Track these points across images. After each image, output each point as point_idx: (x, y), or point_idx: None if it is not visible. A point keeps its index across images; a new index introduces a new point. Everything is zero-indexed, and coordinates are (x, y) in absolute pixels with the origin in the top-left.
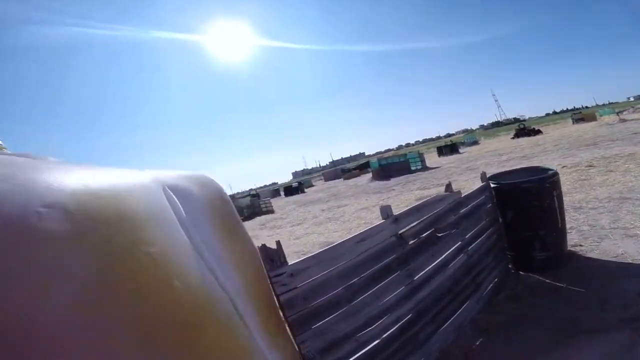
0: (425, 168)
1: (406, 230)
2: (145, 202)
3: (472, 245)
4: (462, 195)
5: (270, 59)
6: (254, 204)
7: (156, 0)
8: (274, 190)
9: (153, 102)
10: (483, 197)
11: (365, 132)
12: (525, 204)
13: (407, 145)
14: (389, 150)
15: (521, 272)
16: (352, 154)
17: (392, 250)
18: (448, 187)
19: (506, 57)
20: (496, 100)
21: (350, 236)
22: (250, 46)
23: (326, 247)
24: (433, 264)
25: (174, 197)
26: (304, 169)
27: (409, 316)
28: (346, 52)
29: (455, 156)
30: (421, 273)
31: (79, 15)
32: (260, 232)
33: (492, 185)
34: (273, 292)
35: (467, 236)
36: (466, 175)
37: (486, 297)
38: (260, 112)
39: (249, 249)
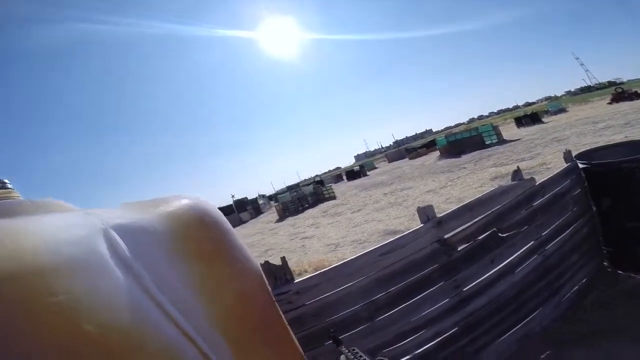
0: (501, 141)
1: (454, 235)
2: (61, 252)
3: (551, 244)
4: (537, 183)
5: (322, 51)
6: (317, 191)
7: (210, 3)
8: (337, 175)
9: (216, 101)
10: (568, 181)
11: (430, 108)
12: (628, 189)
13: (480, 117)
14: (459, 124)
15: (620, 272)
16: (418, 132)
17: (433, 260)
18: (516, 174)
19: (591, 14)
20: (582, 64)
21: (373, 248)
22: (301, 41)
23: (340, 262)
24: (491, 272)
25: (117, 238)
26: (366, 151)
27: (454, 330)
28: (402, 39)
29: (537, 126)
30: (473, 283)
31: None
32: (321, 220)
33: (581, 166)
34: (276, 310)
35: (544, 233)
36: (552, 147)
37: (566, 303)
38: (320, 102)
39: (236, 269)
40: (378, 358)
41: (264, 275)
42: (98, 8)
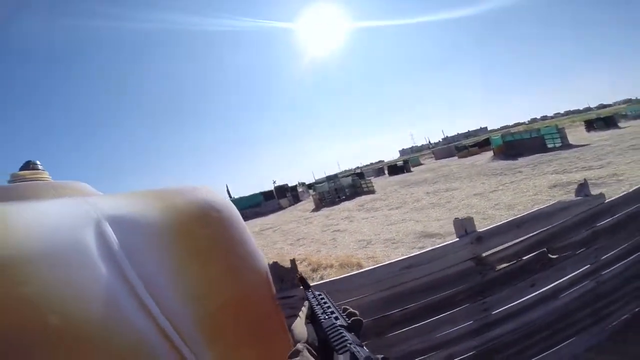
0: (566, 146)
1: (494, 253)
2: (42, 241)
3: (610, 269)
4: (607, 201)
5: (368, 40)
6: (356, 183)
7: None
8: (378, 169)
9: (264, 93)
10: None
11: (487, 104)
12: None
13: (544, 118)
14: (518, 124)
15: None
16: (471, 129)
17: (463, 278)
18: (582, 187)
19: None
20: None
21: (396, 260)
22: (346, 30)
23: (356, 272)
24: (529, 296)
25: (109, 230)
26: (413, 146)
27: (470, 354)
28: (455, 20)
29: (612, 131)
30: (506, 306)
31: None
32: (357, 214)
33: None
34: (277, 314)
35: (603, 257)
36: (628, 156)
37: (609, 331)
38: (367, 93)
39: (236, 269)
40: (344, 306)
41: (270, 276)
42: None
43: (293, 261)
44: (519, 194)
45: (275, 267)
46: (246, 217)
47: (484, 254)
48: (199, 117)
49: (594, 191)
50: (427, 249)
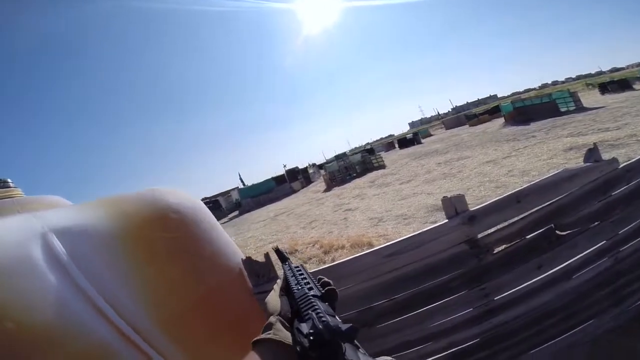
0: (581, 109)
1: (492, 233)
2: None
3: (630, 244)
4: (620, 166)
5: (373, 17)
6: (366, 160)
7: None
8: (389, 143)
9: (269, 77)
10: None
11: (495, 73)
12: None
13: (555, 83)
14: (529, 90)
15: None
16: (480, 97)
17: (458, 263)
18: (591, 153)
19: None
20: None
21: (378, 247)
22: (351, 7)
23: (335, 263)
24: (536, 279)
25: (56, 242)
26: (422, 118)
27: (474, 341)
28: None
29: (628, 93)
30: (509, 292)
31: None
32: (368, 190)
33: None
34: (255, 309)
35: (621, 231)
36: None
37: (632, 313)
38: (374, 69)
39: (202, 269)
40: (318, 276)
41: (244, 272)
42: None
43: (267, 255)
44: (533, 158)
45: (249, 262)
46: (261, 204)
47: (479, 235)
48: (209, 108)
49: (613, 152)
50: (415, 233)
